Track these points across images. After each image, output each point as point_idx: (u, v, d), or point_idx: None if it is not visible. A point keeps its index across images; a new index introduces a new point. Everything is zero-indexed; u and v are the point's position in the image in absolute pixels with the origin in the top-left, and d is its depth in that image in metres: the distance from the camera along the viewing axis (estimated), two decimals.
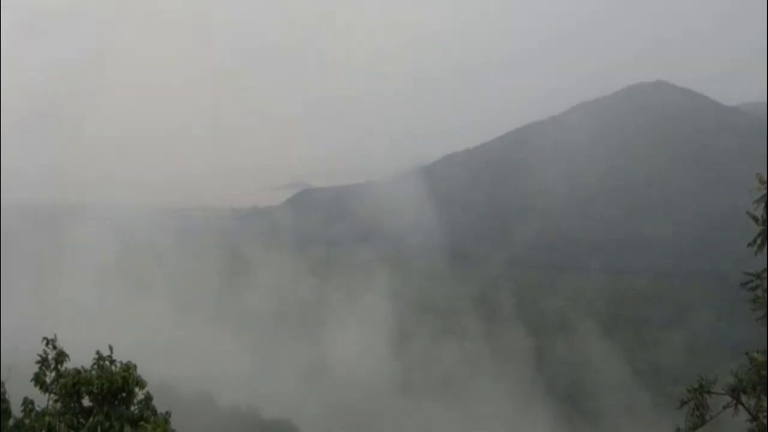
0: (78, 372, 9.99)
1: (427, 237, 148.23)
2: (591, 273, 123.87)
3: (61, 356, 10.19)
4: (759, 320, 10.12)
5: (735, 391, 10.75)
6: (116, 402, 9.99)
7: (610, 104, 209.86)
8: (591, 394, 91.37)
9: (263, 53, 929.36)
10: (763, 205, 9.61)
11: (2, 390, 9.77)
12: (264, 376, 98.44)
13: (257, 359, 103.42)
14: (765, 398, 10.53)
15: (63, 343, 10.32)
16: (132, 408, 10.11)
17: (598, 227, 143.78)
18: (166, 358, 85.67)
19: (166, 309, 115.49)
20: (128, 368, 10.08)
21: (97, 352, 10.21)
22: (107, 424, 9.69)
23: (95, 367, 10.06)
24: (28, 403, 9.79)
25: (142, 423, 9.83)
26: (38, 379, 10.08)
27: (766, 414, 10.57)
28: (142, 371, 10.26)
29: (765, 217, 9.64)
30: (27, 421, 9.65)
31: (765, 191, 9.50)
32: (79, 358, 10.40)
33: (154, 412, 10.24)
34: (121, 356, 10.30)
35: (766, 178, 9.48)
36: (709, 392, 11.12)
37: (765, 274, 10.05)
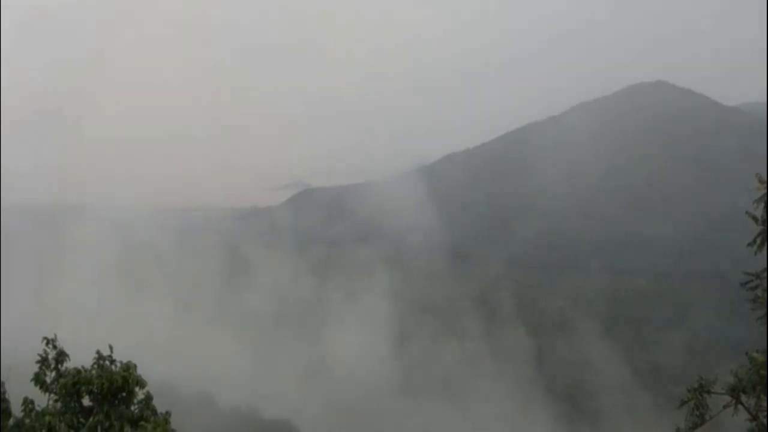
0: (78, 372, 10.00)
1: (427, 237, 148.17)
2: (591, 273, 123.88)
3: (61, 356, 10.20)
4: (759, 320, 10.13)
5: (735, 391, 10.75)
6: (116, 402, 10.00)
7: (610, 104, 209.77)
8: (591, 394, 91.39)
9: (263, 53, 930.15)
10: (762, 205, 9.62)
11: (2, 390, 9.78)
12: (264, 376, 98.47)
13: (257, 359, 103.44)
14: (765, 398, 10.54)
15: (63, 343, 10.33)
16: (132, 408, 10.12)
17: (598, 227, 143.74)
18: (166, 358, 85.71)
19: (166, 309, 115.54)
20: (128, 368, 10.08)
21: (97, 352, 10.22)
22: (107, 424, 9.69)
23: (95, 366, 10.06)
24: (28, 403, 9.80)
25: (142, 423, 9.84)
26: (38, 379, 10.09)
27: (765, 414, 10.57)
28: (142, 371, 10.26)
29: (765, 217, 9.64)
30: (27, 420, 9.66)
31: (765, 191, 9.51)
32: (79, 358, 10.41)
33: (154, 411, 10.24)
34: (121, 356, 10.30)
35: (765, 178, 9.49)
36: (708, 392, 11.12)
37: (765, 274, 10.05)
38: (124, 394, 10.03)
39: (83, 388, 9.85)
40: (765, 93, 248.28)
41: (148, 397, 10.29)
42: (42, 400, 9.97)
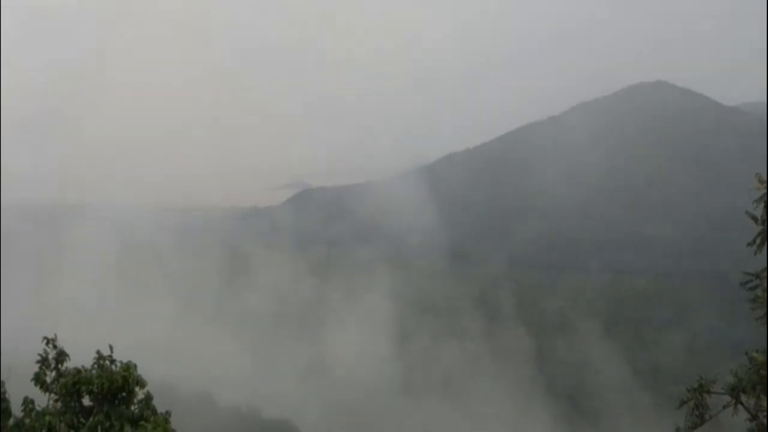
0: (78, 371, 9.99)
1: (427, 237, 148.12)
2: (591, 273, 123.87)
3: (61, 356, 10.20)
4: (759, 320, 10.12)
5: (735, 391, 10.75)
6: (116, 401, 10.00)
7: (610, 104, 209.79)
8: (591, 394, 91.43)
9: (263, 53, 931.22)
10: (762, 204, 9.61)
11: (2, 390, 9.77)
12: (264, 376, 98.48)
13: (257, 359, 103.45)
14: (765, 398, 10.53)
15: (63, 343, 10.33)
16: (132, 407, 10.11)
17: (598, 227, 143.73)
18: (166, 358, 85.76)
19: (166, 309, 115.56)
20: (128, 368, 10.09)
21: (98, 352, 10.22)
22: (107, 424, 9.69)
23: (95, 366, 10.06)
24: (28, 403, 9.80)
25: (142, 422, 9.84)
26: (38, 379, 10.09)
27: (765, 414, 10.57)
28: (142, 371, 10.27)
29: (765, 216, 9.64)
30: (27, 420, 9.66)
31: (765, 191, 9.51)
32: (80, 358, 10.41)
33: (154, 411, 10.24)
34: (121, 356, 10.31)
35: (765, 178, 9.49)
36: (708, 392, 11.11)
37: (765, 274, 10.05)
38: (124, 394, 10.03)
39: (83, 388, 9.85)
40: (765, 93, 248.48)
41: (148, 397, 10.29)
42: (42, 399, 9.97)
